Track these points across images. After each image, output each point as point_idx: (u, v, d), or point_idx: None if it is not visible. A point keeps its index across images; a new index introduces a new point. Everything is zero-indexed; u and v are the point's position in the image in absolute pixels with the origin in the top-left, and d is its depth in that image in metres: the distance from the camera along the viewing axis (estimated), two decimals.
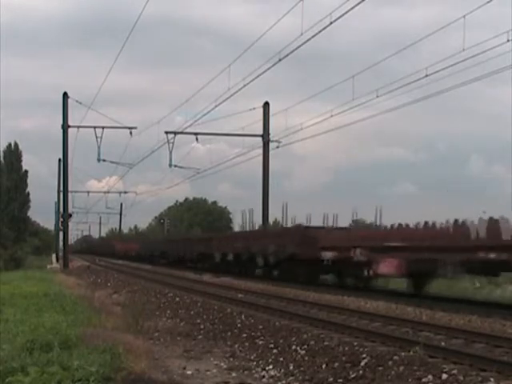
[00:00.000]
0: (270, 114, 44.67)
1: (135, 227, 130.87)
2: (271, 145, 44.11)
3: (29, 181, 69.89)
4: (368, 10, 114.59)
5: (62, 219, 52.16)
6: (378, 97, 28.42)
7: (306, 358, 11.18)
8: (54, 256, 58.60)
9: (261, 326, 14.63)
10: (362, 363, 10.28)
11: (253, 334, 13.98)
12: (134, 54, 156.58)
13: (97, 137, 45.73)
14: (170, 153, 43.53)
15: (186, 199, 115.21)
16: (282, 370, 10.60)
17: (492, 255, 19.83)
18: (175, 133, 43.64)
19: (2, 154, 67.65)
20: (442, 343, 11.87)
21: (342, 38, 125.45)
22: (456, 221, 24.08)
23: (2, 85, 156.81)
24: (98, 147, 46.28)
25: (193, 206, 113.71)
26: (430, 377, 9.11)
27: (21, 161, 68.84)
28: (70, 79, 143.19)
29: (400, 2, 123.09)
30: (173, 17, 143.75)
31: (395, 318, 15.69)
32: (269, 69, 28.72)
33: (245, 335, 13.96)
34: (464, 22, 22.97)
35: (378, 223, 29.85)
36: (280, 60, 26.96)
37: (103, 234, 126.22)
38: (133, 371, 8.80)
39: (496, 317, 15.67)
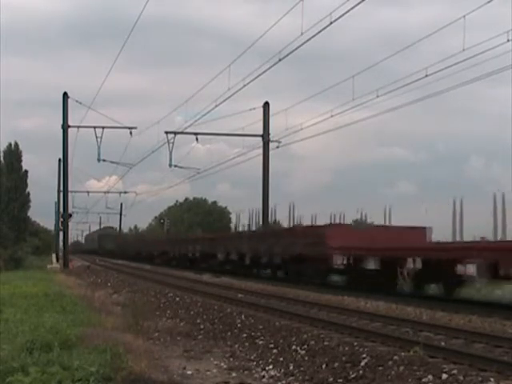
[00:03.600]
0: (270, 114, 44.67)
1: (135, 227, 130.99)
2: (271, 145, 44.14)
3: (29, 181, 69.58)
4: (368, 9, 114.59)
5: (62, 219, 52.18)
6: (378, 97, 28.48)
7: (306, 358, 11.18)
8: (53, 256, 58.58)
9: (261, 326, 14.62)
10: (362, 363, 10.27)
11: (253, 334, 13.98)
12: (133, 54, 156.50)
13: (97, 137, 45.76)
14: (170, 153, 43.55)
15: (186, 199, 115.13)
16: (282, 370, 10.60)
17: None
18: (175, 133, 43.63)
19: (2, 154, 67.45)
20: (442, 343, 11.85)
21: (342, 38, 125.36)
22: None
23: (2, 85, 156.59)
24: (98, 147, 46.29)
25: (193, 206, 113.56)
26: (430, 377, 9.10)
27: (21, 161, 68.56)
28: (70, 79, 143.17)
29: (400, 1, 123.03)
30: (173, 17, 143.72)
31: (395, 318, 15.68)
32: (269, 69, 28.69)
33: (245, 335, 13.96)
34: (464, 22, 23.04)
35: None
36: (280, 60, 26.94)
37: None
38: (133, 371, 8.80)
39: (496, 317, 15.68)
